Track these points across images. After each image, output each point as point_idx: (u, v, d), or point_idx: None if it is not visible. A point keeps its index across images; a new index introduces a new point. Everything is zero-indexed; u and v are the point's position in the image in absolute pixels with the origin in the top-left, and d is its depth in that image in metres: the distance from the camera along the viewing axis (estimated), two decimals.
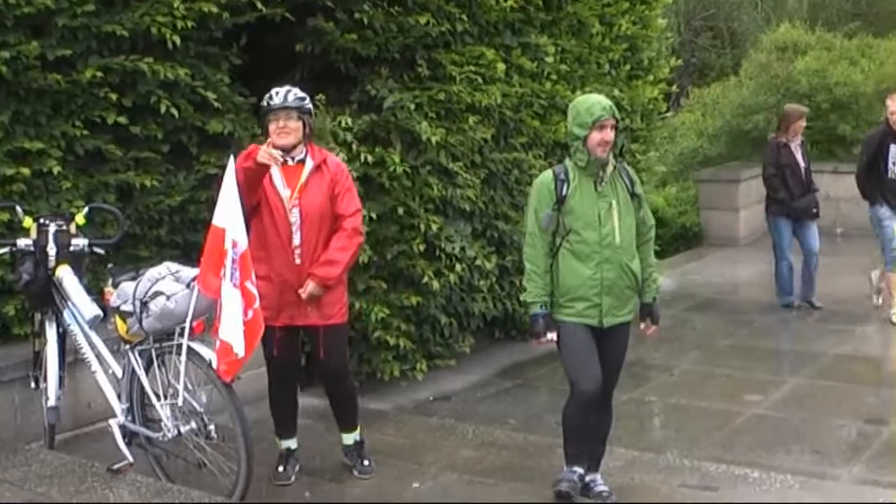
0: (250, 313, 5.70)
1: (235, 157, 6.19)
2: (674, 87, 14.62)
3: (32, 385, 6.67)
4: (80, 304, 6.22)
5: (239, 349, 5.69)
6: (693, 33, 27.67)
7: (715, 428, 7.97)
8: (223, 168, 7.03)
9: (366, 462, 6.95)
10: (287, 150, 6.43)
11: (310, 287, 6.43)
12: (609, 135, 6.13)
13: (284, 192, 6.46)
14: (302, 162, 6.53)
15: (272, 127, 6.45)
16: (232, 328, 5.68)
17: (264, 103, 6.52)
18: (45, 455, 6.19)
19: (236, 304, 5.69)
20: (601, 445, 6.58)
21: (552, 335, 6.26)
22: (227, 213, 5.78)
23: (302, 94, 6.53)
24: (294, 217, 6.45)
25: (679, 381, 9.45)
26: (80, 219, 6.58)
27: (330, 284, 6.50)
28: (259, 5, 8.01)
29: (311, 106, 6.62)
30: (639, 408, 8.53)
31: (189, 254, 7.54)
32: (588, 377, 6.16)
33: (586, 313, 6.21)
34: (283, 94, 6.45)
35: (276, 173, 6.42)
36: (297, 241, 6.47)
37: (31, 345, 6.92)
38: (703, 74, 27.12)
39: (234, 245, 5.71)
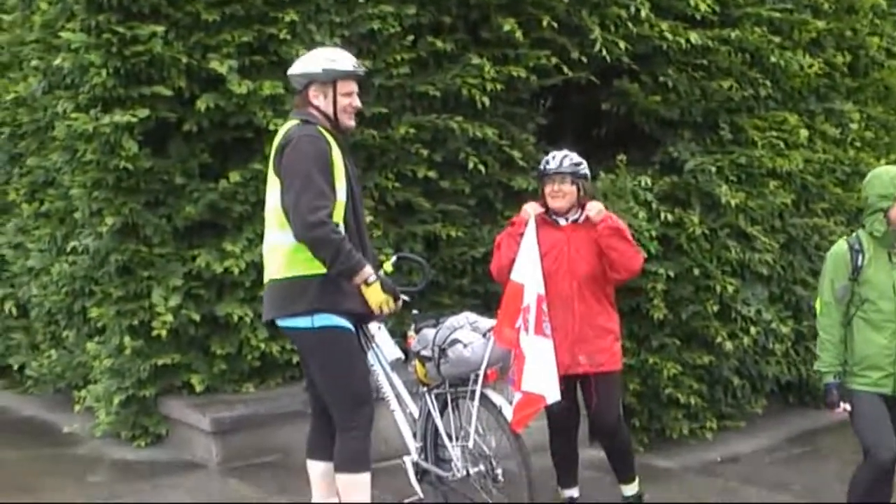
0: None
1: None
2: None
3: None
4: (384, 346, 6.53)
5: (553, 394, 6.05)
6: None
7: None
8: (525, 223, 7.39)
9: None
10: (560, 213, 6.71)
11: (599, 206, 6.66)
12: None
13: (559, 249, 6.64)
14: (576, 221, 6.73)
15: (547, 189, 6.71)
16: (540, 377, 6.02)
17: (541, 167, 6.79)
18: None
19: (546, 352, 6.06)
20: None
21: (846, 405, 6.27)
22: (527, 268, 6.15)
23: (578, 160, 6.73)
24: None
25: None
26: (388, 266, 6.90)
27: (608, 225, 6.56)
28: (565, 69, 8.38)
29: (586, 171, 6.80)
30: None
31: (489, 304, 7.85)
32: (886, 446, 6.11)
33: (881, 382, 6.19)
34: (558, 160, 6.69)
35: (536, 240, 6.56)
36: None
37: None
38: None
39: (540, 299, 6.08)
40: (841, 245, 6.35)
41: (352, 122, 5.71)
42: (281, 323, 5.53)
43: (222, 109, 7.32)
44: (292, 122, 5.54)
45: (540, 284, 6.13)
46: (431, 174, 8.10)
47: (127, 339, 7.36)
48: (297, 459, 7.36)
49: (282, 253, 5.40)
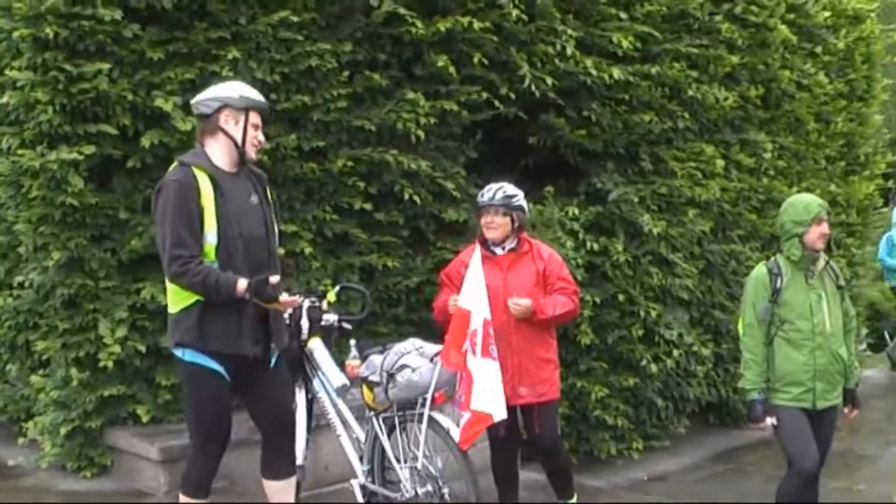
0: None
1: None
2: (890, 183, 14.75)
3: None
4: (330, 373, 6.75)
5: (501, 412, 6.32)
6: None
7: None
8: (457, 254, 7.65)
9: None
10: (496, 243, 6.97)
11: (523, 302, 6.80)
12: (826, 228, 6.54)
13: (496, 280, 6.87)
14: (513, 250, 7.01)
15: (482, 220, 7.00)
16: (488, 396, 6.28)
17: (478, 198, 7.07)
18: None
19: (493, 373, 6.33)
20: None
21: (770, 420, 6.64)
22: (473, 295, 6.41)
23: (512, 192, 6.98)
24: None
25: (888, 472, 9.53)
26: (331, 296, 7.12)
27: (535, 317, 6.84)
28: (496, 104, 8.68)
29: (521, 203, 7.04)
30: (848, 496, 8.65)
31: (422, 332, 7.98)
32: (808, 456, 6.50)
33: (801, 397, 6.58)
34: (492, 192, 6.95)
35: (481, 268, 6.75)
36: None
37: None
38: None
39: (486, 323, 6.35)
40: (761, 269, 6.75)
41: (254, 156, 5.94)
42: None
43: (166, 145, 7.45)
44: (174, 164, 5.77)
45: (486, 310, 6.39)
46: (367, 206, 8.30)
47: (73, 371, 7.44)
48: (243, 486, 7.55)
49: (169, 289, 5.70)
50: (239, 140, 5.76)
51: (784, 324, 6.60)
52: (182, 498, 5.88)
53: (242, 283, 5.49)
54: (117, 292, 7.59)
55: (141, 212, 7.59)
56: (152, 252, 7.50)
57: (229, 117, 5.74)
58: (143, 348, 7.57)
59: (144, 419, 7.67)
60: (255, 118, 5.82)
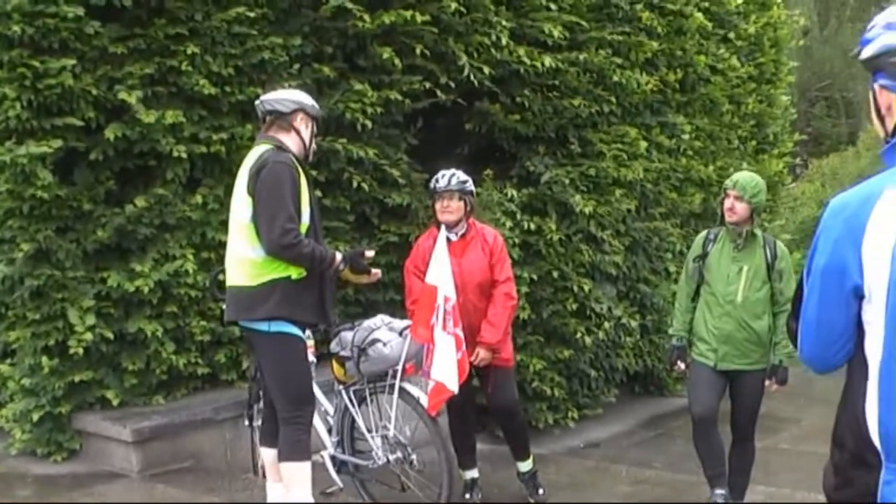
0: (459, 354, 6.74)
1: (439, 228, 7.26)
2: (797, 160, 15.41)
3: (246, 423, 7.39)
4: None
5: (453, 385, 6.69)
6: (808, 104, 28.21)
7: None
8: (401, 236, 8.04)
9: (540, 490, 7.84)
10: (450, 227, 7.36)
11: (481, 353, 7.32)
12: (729, 203, 7.06)
13: (453, 265, 7.19)
14: (463, 236, 7.43)
15: (438, 206, 7.39)
16: (445, 368, 6.69)
17: (432, 185, 7.46)
18: (261, 482, 7.13)
19: (450, 347, 6.72)
20: (744, 477, 7.41)
21: (681, 365, 7.42)
22: (439, 273, 6.84)
23: (464, 178, 7.41)
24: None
25: (808, 432, 10.19)
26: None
27: (495, 346, 7.37)
28: (438, 93, 9.09)
29: (472, 188, 7.47)
30: (771, 455, 9.20)
31: (367, 312, 8.39)
32: (697, 402, 7.18)
33: (706, 354, 7.20)
34: (447, 178, 7.36)
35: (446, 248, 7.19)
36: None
37: (236, 388, 8.26)
38: (818, 143, 27.59)
39: (447, 300, 6.76)
40: (702, 233, 7.44)
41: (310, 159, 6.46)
42: (242, 323, 6.11)
43: (127, 138, 7.71)
44: (266, 146, 6.06)
45: (450, 288, 6.82)
46: (317, 193, 8.61)
47: (44, 359, 7.66)
48: (210, 463, 7.90)
49: (249, 264, 5.94)
50: (307, 142, 6.28)
51: (706, 285, 7.24)
52: (289, 465, 6.12)
53: (339, 256, 6.16)
54: (83, 281, 7.83)
55: (103, 203, 7.86)
56: (116, 242, 7.84)
57: (303, 121, 6.24)
58: (109, 335, 7.84)
59: (114, 402, 7.94)
60: (316, 127, 6.39)
